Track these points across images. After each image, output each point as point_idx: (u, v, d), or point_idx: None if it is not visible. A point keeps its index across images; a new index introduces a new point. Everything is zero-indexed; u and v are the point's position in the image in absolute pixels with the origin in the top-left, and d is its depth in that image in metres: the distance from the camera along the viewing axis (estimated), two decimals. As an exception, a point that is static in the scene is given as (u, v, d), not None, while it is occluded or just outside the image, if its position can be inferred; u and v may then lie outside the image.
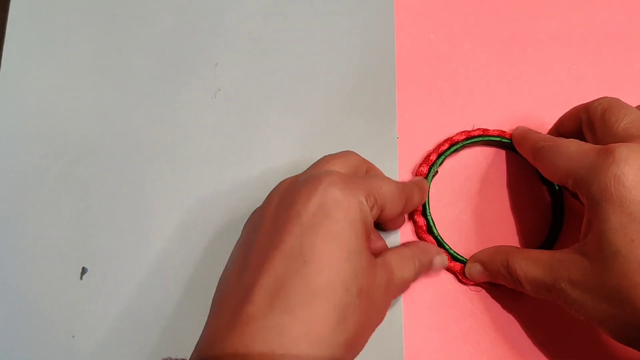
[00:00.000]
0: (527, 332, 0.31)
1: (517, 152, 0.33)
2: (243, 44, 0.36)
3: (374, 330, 0.25)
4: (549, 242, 0.31)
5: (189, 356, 0.23)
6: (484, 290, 0.31)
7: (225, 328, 0.22)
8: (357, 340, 0.23)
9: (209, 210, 0.33)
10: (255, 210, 0.28)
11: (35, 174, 0.35)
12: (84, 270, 0.33)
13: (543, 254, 0.26)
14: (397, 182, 0.28)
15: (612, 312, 0.23)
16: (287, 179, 0.27)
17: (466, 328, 0.31)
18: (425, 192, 0.31)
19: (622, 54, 0.35)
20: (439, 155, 0.32)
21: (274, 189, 0.27)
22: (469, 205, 0.33)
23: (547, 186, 0.33)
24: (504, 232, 0.32)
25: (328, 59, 0.36)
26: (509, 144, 0.33)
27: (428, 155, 0.33)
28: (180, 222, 0.33)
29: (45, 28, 0.37)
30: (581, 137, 0.28)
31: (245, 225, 0.28)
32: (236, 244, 0.28)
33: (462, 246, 0.32)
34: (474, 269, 0.30)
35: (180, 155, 0.34)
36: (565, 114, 0.31)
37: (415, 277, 0.27)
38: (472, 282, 0.31)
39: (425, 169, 0.32)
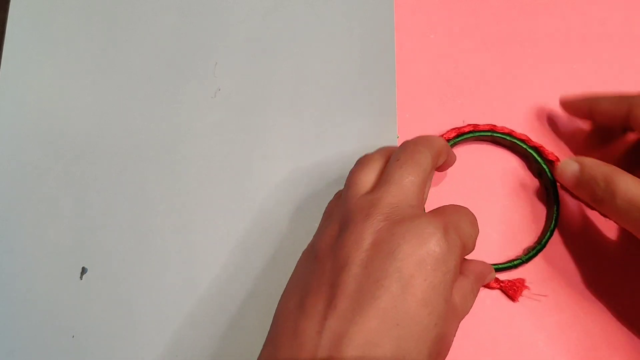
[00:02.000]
0: (528, 332, 0.31)
1: (507, 147, 0.33)
2: (243, 44, 0.36)
3: None
4: (545, 233, 0.31)
5: None
6: (483, 291, 0.31)
7: None
8: None
9: (208, 210, 0.33)
10: (332, 235, 0.25)
11: (35, 174, 0.35)
12: (84, 270, 0.33)
13: None
14: (471, 213, 0.27)
15: None
16: (377, 210, 0.24)
17: (466, 328, 0.31)
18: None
19: (622, 54, 0.35)
20: None
21: (364, 219, 0.24)
22: (466, 202, 0.33)
23: (541, 179, 0.33)
24: (502, 227, 0.32)
25: (328, 59, 0.36)
26: (500, 139, 0.33)
27: None
28: (180, 222, 0.33)
29: (45, 28, 0.37)
30: (617, 123, 0.29)
31: (318, 246, 0.26)
32: (308, 265, 0.26)
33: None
34: (570, 168, 0.29)
35: (180, 155, 0.34)
36: (606, 96, 0.30)
37: (474, 301, 0.27)
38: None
39: None
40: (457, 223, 0.25)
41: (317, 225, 0.32)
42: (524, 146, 0.32)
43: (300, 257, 0.27)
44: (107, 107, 0.36)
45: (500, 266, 0.31)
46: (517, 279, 0.31)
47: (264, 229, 0.33)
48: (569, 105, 0.32)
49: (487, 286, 0.31)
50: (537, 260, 0.31)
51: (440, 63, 0.35)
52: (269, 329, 0.26)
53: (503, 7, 0.36)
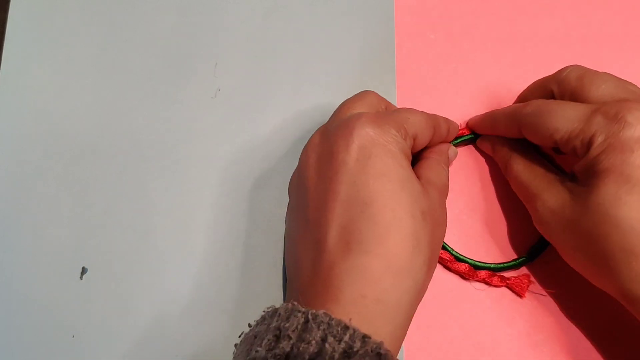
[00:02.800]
0: (528, 333, 0.31)
1: None
2: (243, 43, 0.36)
3: (441, 244, 0.27)
4: (528, 258, 0.32)
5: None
6: (485, 291, 0.31)
7: (311, 278, 0.24)
8: (432, 258, 0.25)
9: (209, 210, 0.33)
10: (294, 174, 0.29)
11: (35, 174, 0.35)
12: (84, 270, 0.33)
13: (540, 169, 0.29)
14: (422, 111, 0.29)
15: (573, 242, 0.26)
16: (315, 134, 0.28)
17: (466, 328, 0.31)
18: (451, 122, 0.32)
19: (622, 54, 0.35)
20: None
21: (306, 148, 0.28)
22: (469, 204, 0.33)
23: None
24: (504, 227, 0.32)
25: (328, 59, 0.36)
26: None
27: None
28: (180, 222, 0.33)
29: (45, 28, 0.37)
30: None
31: (290, 191, 0.29)
32: (288, 210, 0.29)
33: (463, 245, 0.32)
34: (487, 143, 0.33)
35: (180, 155, 0.34)
36: (527, 88, 0.32)
37: (448, 176, 0.29)
38: (463, 272, 0.31)
39: None
40: (393, 114, 0.27)
41: (317, 225, 0.32)
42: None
43: None
44: (107, 107, 0.36)
45: (505, 265, 0.31)
46: (522, 274, 0.31)
47: (264, 229, 0.33)
48: (475, 125, 0.33)
49: (494, 284, 0.31)
50: (541, 257, 0.31)
51: (440, 63, 0.35)
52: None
53: (503, 7, 0.36)
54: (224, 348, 0.31)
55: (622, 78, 0.35)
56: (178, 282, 0.32)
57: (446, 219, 0.28)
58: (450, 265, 0.31)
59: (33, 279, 0.33)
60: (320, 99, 0.35)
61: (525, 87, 0.34)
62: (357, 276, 0.22)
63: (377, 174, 0.24)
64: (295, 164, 0.34)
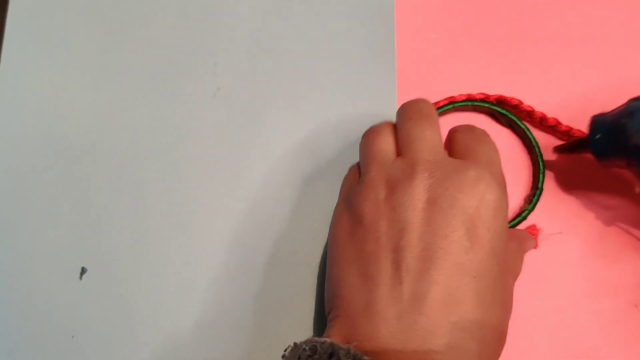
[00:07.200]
0: (527, 333, 0.30)
1: (498, 119, 0.34)
2: (243, 43, 0.36)
3: None
4: (537, 176, 0.32)
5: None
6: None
7: (397, 338, 0.21)
8: None
9: (208, 211, 0.33)
10: (376, 200, 0.24)
11: (35, 173, 0.35)
12: (83, 270, 0.33)
13: None
14: (486, 135, 0.27)
15: None
16: (419, 170, 0.24)
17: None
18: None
19: (622, 54, 0.35)
20: None
21: (408, 180, 0.24)
22: None
23: (530, 154, 0.33)
24: None
25: (328, 59, 0.36)
26: (488, 109, 0.33)
27: None
28: (180, 222, 0.33)
29: (45, 28, 0.37)
30: None
31: (362, 211, 0.24)
32: (355, 231, 0.24)
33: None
34: None
35: (180, 155, 0.34)
36: None
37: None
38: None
39: None
40: (491, 159, 0.25)
41: (317, 225, 0.32)
42: (486, 104, 0.33)
43: (336, 225, 0.26)
44: (107, 107, 0.36)
45: (511, 223, 0.31)
46: (529, 226, 0.31)
47: (264, 229, 0.33)
48: None
49: None
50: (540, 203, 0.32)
51: (440, 63, 0.35)
52: (328, 307, 0.25)
53: (503, 7, 0.36)
54: (224, 348, 0.31)
55: (622, 78, 0.35)
56: (177, 282, 0.32)
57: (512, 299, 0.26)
58: None
59: (33, 279, 0.33)
60: (320, 99, 0.35)
61: (525, 87, 0.34)
62: (453, 357, 0.21)
63: (491, 252, 0.22)
64: (294, 163, 0.34)
